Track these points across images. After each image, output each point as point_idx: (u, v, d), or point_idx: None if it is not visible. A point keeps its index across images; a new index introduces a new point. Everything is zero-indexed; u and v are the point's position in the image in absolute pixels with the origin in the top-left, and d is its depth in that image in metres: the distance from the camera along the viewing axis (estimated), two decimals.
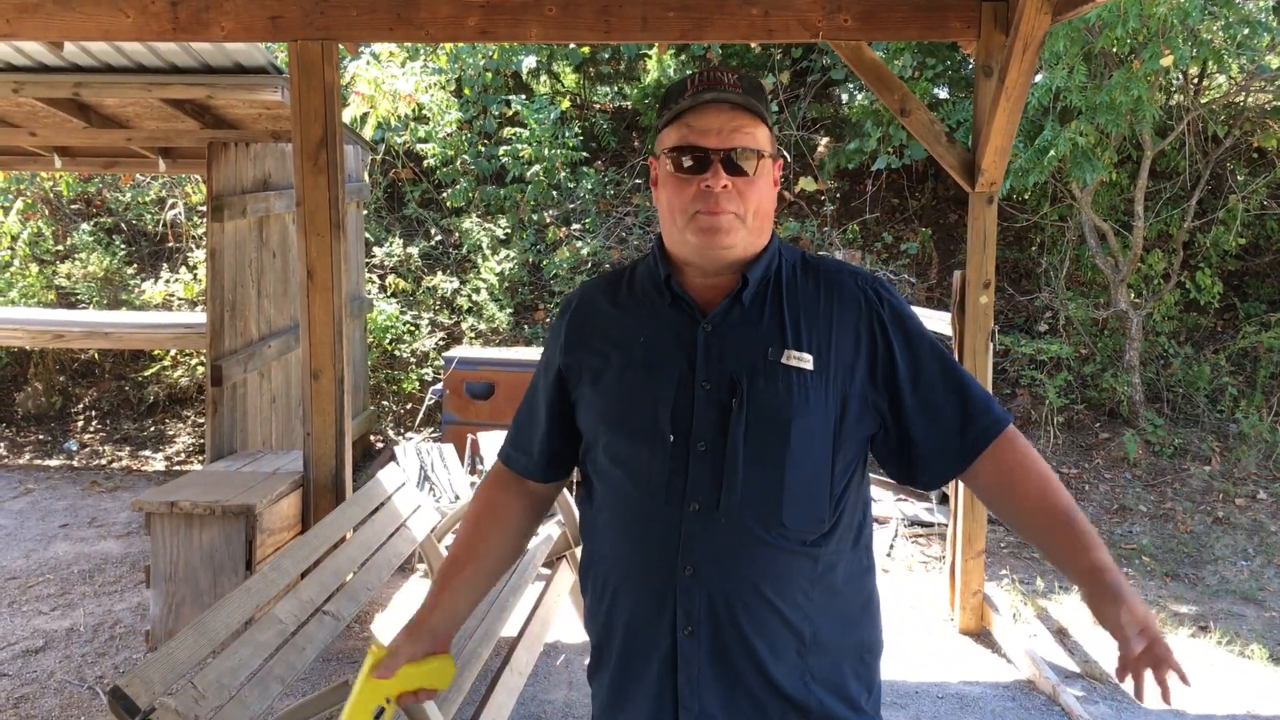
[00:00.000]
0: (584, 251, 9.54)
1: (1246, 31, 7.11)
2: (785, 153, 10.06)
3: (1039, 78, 7.65)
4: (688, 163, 1.77)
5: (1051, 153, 7.41)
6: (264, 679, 3.47)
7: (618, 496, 1.83)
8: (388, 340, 9.04)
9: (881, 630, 1.92)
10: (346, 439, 5.44)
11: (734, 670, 1.75)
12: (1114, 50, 7.40)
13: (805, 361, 1.77)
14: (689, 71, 1.99)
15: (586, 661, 4.75)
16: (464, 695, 3.71)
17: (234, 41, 5.30)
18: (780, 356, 1.77)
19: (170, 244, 9.93)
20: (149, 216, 9.98)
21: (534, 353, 8.19)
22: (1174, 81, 8.92)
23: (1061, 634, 5.54)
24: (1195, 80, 9.10)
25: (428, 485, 6.58)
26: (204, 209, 10.05)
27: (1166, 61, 6.84)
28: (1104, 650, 5.31)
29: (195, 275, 9.41)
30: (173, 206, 9.88)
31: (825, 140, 10.50)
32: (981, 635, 5.40)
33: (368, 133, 9.42)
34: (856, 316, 1.82)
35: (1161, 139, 8.29)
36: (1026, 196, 9.16)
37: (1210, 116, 8.52)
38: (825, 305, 1.83)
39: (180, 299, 9.44)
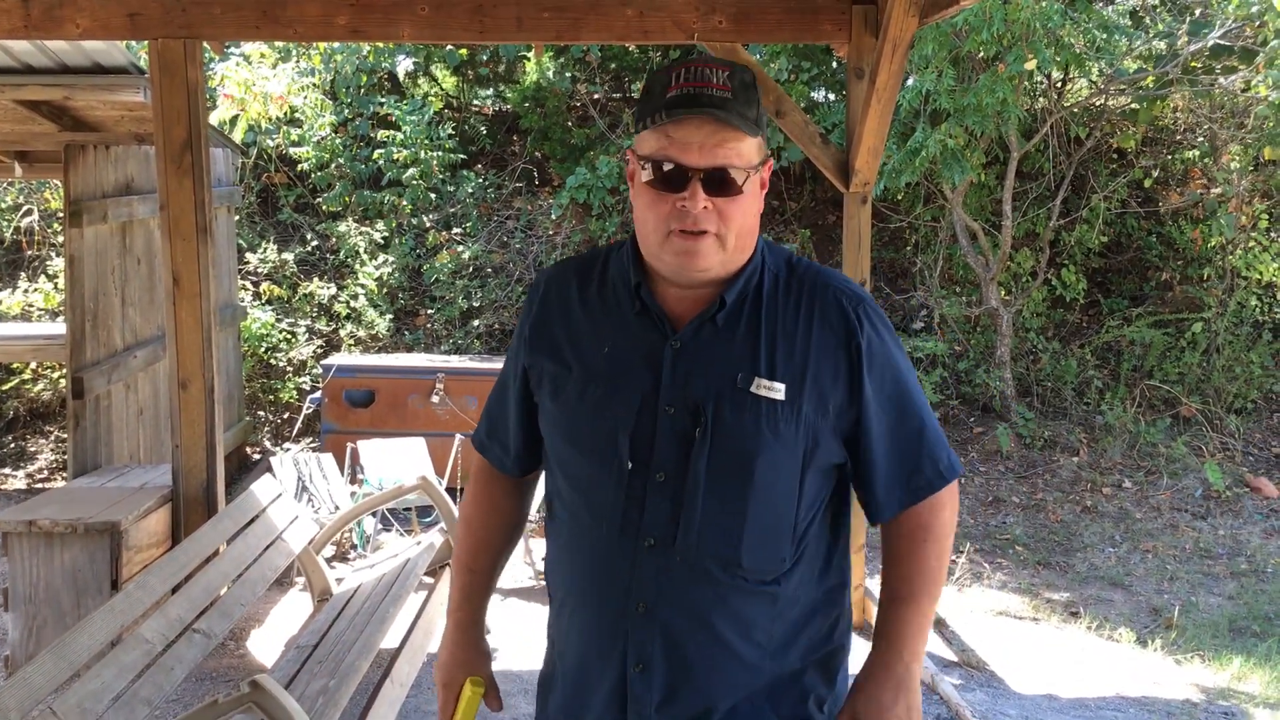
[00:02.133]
0: (465, 255, 9.43)
1: (1105, 36, 7.40)
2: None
3: (909, 81, 7.84)
4: (665, 177, 1.64)
5: (923, 154, 7.60)
6: (129, 702, 3.34)
7: (575, 521, 1.77)
8: (263, 349, 8.80)
9: (849, 640, 1.87)
10: (218, 451, 5.26)
11: (687, 707, 1.71)
12: (980, 54, 7.61)
13: (776, 391, 1.67)
14: (659, 65, 1.79)
15: None
16: (341, 709, 3.61)
17: (90, 39, 5.10)
18: (750, 384, 1.67)
19: (27, 252, 9.50)
20: (4, 223, 9.53)
21: (415, 359, 8.06)
22: (1038, 85, 9.22)
23: (940, 625, 5.66)
24: (1058, 84, 9.42)
25: (306, 496, 6.41)
26: (63, 215, 9.66)
27: (1030, 65, 7.06)
28: (981, 640, 5.44)
29: (55, 285, 9.02)
30: (29, 213, 9.44)
31: None
32: (863, 629, 5.47)
33: (238, 136, 9.16)
34: (837, 340, 1.71)
35: (1027, 140, 8.57)
36: (900, 198, 9.37)
37: (1072, 119, 8.84)
38: (805, 325, 1.72)
39: (40, 309, 9.04)
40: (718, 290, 1.72)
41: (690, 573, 1.68)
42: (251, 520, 4.69)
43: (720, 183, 1.63)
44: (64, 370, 8.53)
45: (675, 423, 1.68)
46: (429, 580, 5.13)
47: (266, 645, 5.24)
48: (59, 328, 8.01)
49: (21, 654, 4.77)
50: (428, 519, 6.75)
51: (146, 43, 5.32)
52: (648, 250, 1.72)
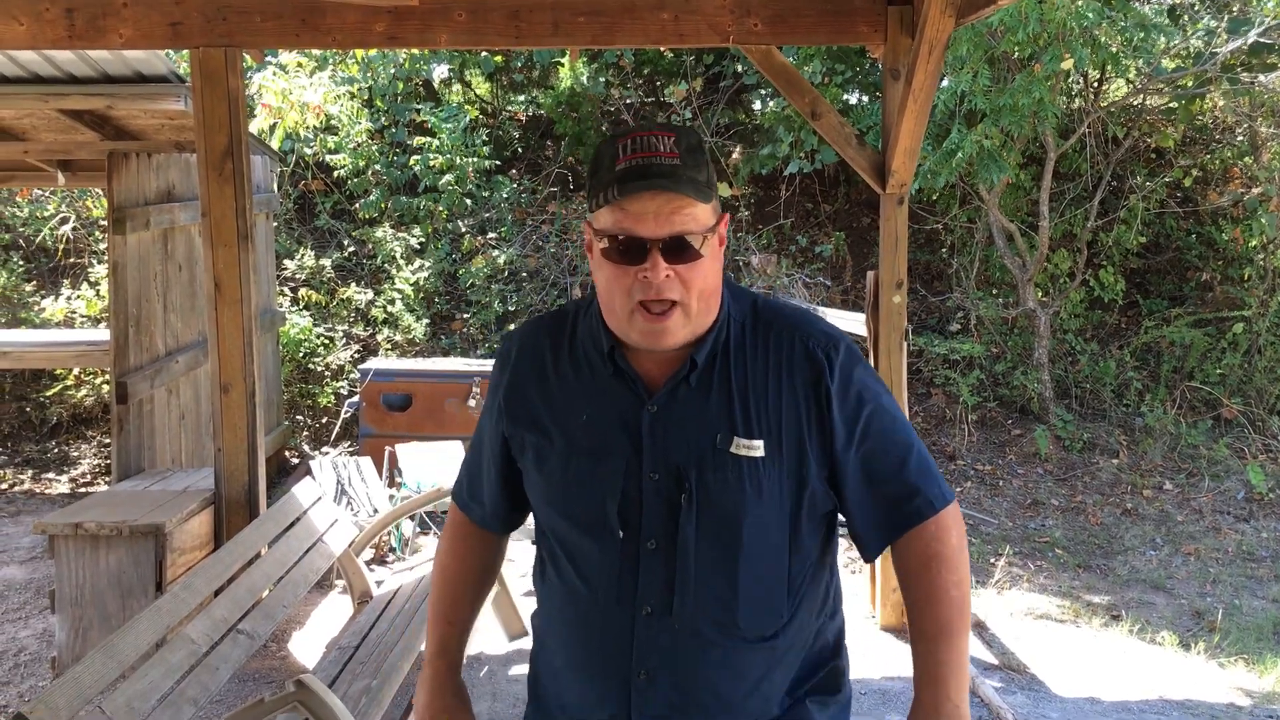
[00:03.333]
0: (500, 260, 9.48)
1: (1142, 35, 7.34)
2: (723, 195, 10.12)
3: (945, 82, 7.80)
4: (624, 250, 1.62)
5: (959, 155, 7.56)
6: (176, 701, 3.38)
7: (568, 588, 1.77)
8: (301, 354, 8.88)
9: (846, 651, 1.88)
10: (259, 454, 5.32)
11: None
12: (1015, 54, 7.57)
13: (756, 449, 1.66)
14: (612, 130, 1.65)
15: (510, 671, 4.68)
16: (384, 709, 3.64)
17: (132, 49, 5.16)
18: (729, 444, 1.67)
19: (70, 260, 9.64)
20: (47, 232, 9.67)
21: (451, 363, 8.11)
22: (1074, 85, 9.16)
23: (980, 627, 5.63)
24: (1095, 84, 9.35)
25: (345, 499, 6.46)
26: (105, 223, 9.79)
27: (1066, 65, 7.02)
28: (1021, 643, 5.41)
29: (98, 291, 9.15)
30: (71, 221, 9.58)
31: (739, 147, 10.58)
32: (902, 631, 5.45)
33: (275, 144, 9.26)
34: (806, 387, 1.70)
35: (1064, 141, 8.51)
36: (936, 199, 9.33)
37: (1109, 119, 8.77)
38: (775, 376, 1.71)
39: (83, 316, 9.16)
40: (688, 351, 1.71)
41: (690, 639, 1.68)
42: (293, 523, 4.73)
43: (679, 250, 1.62)
44: (106, 376, 8.65)
45: (661, 489, 1.68)
46: None
47: (308, 647, 5.29)
48: (102, 334, 8.14)
49: (68, 655, 4.84)
50: None
51: (188, 52, 5.38)
52: (614, 324, 1.69)
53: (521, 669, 4.97)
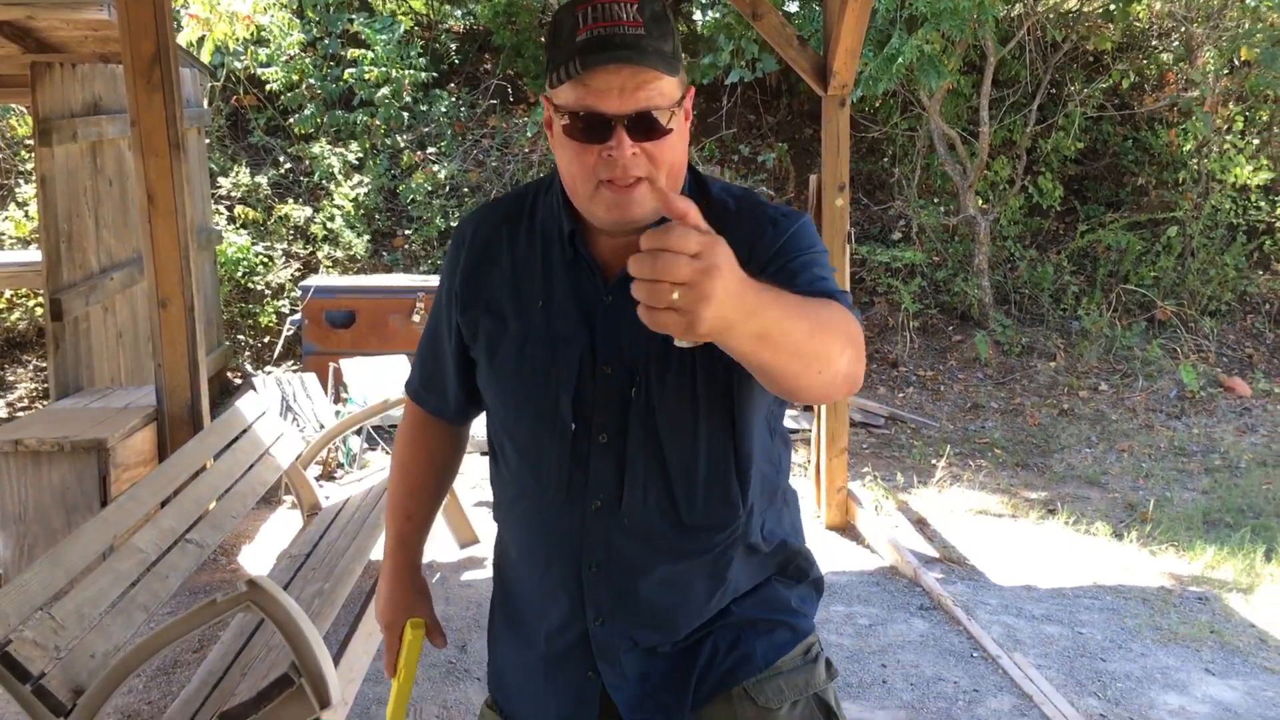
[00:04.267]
0: (441, 175, 9.35)
1: None
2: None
3: None
4: (587, 128, 1.53)
5: (899, 60, 7.55)
6: (126, 608, 3.37)
7: (519, 481, 1.73)
8: (240, 274, 8.74)
9: (804, 539, 1.86)
10: (201, 369, 5.27)
11: (650, 645, 1.72)
12: None
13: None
14: None
15: (462, 577, 4.72)
16: (337, 609, 3.67)
17: None
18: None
19: None
20: None
21: (395, 279, 8.03)
22: None
23: (921, 524, 5.77)
24: None
25: (291, 416, 6.43)
26: (31, 141, 9.50)
27: None
28: (961, 537, 5.55)
29: (26, 213, 8.89)
30: None
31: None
32: (847, 529, 5.58)
33: (205, 57, 9.00)
34: (757, 255, 1.59)
35: (1003, 46, 8.52)
36: (878, 107, 9.32)
37: (1049, 23, 8.79)
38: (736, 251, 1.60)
39: (11, 238, 8.93)
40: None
41: (639, 532, 1.67)
42: (238, 436, 4.70)
43: (646, 126, 1.52)
44: (39, 298, 8.47)
45: (614, 382, 1.64)
46: None
47: (258, 559, 5.29)
48: (33, 255, 7.94)
49: (14, 572, 4.80)
50: None
51: None
52: (577, 202, 1.62)
53: (473, 574, 5.02)
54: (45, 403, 7.54)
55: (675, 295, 1.15)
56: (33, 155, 9.20)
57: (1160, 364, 8.33)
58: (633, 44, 1.49)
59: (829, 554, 5.20)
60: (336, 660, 3.29)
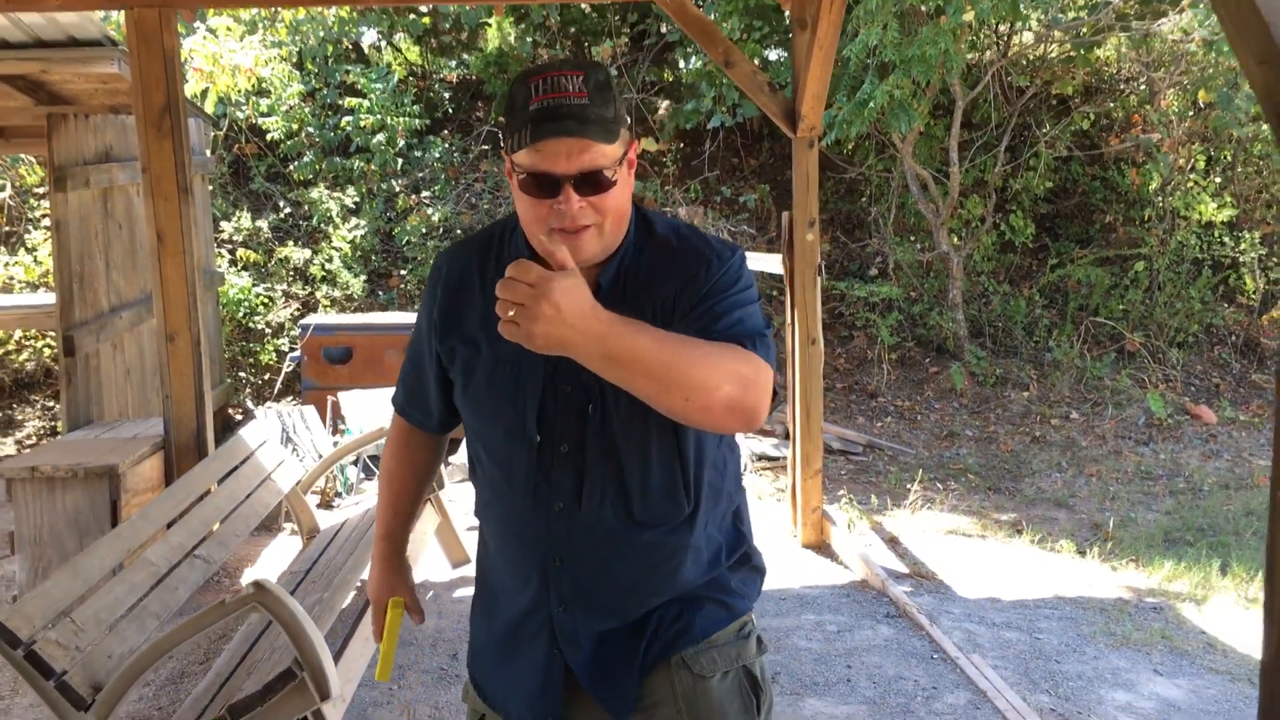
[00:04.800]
0: (435, 218, 9.70)
1: None
2: (650, 150, 10.38)
3: (858, 35, 8.14)
4: (539, 185, 1.75)
5: (871, 104, 7.92)
6: (140, 615, 3.63)
7: (493, 485, 2.00)
8: (241, 314, 9.05)
9: (752, 541, 2.09)
10: (206, 399, 5.55)
11: (609, 629, 1.97)
12: (924, 7, 7.93)
13: None
14: (527, 68, 1.70)
15: (453, 594, 4.98)
16: (336, 614, 3.93)
17: (69, 10, 5.32)
18: None
19: (5, 227, 9.70)
20: None
21: (390, 316, 8.35)
22: (987, 38, 9.56)
23: (893, 542, 6.04)
24: (1005, 36, 9.75)
25: (291, 447, 6.70)
26: (40, 190, 9.85)
27: (968, 16, 7.39)
28: (931, 555, 5.82)
29: (35, 257, 9.23)
30: (4, 189, 9.64)
31: (665, 103, 10.87)
32: (822, 548, 5.84)
33: (209, 108, 9.37)
34: (690, 286, 1.82)
35: (970, 90, 8.90)
36: (855, 150, 9.69)
37: (1014, 68, 9.18)
38: (669, 286, 1.84)
39: (21, 282, 9.24)
40: (602, 266, 1.85)
41: (596, 532, 1.89)
42: (242, 462, 4.98)
43: (591, 184, 1.74)
44: (47, 340, 8.78)
45: (572, 400, 1.84)
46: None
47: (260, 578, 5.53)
48: (42, 297, 8.25)
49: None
50: None
51: (122, 14, 5.54)
52: (534, 243, 1.80)
53: (464, 591, 5.28)
54: (53, 441, 7.81)
55: (511, 313, 1.50)
56: (41, 203, 9.56)
57: (1129, 393, 8.63)
58: (578, 114, 1.71)
59: (803, 570, 5.46)
60: (336, 660, 3.54)
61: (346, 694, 3.69)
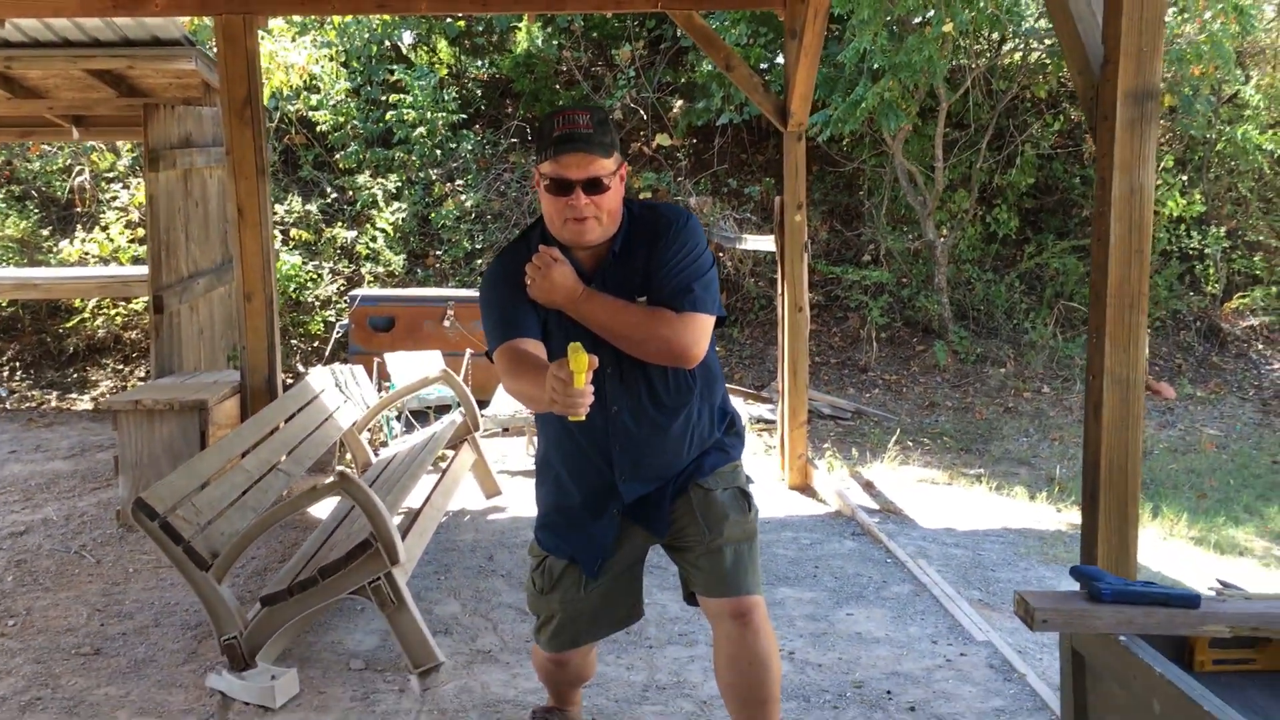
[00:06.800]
0: (468, 204, 10.66)
1: (1009, 0, 8.63)
2: (642, 123, 11.27)
3: (852, 43, 9.04)
4: (559, 188, 2.61)
5: (863, 105, 8.81)
6: (241, 507, 4.54)
7: None
8: (292, 288, 10.01)
9: (731, 402, 3.06)
10: (276, 350, 6.48)
11: (653, 487, 2.88)
12: (910, 17, 8.81)
13: (643, 300, 2.71)
14: (556, 111, 2.66)
15: (488, 517, 5.91)
16: (398, 509, 4.83)
17: (168, 16, 6.23)
18: (636, 300, 2.70)
19: (79, 208, 10.69)
20: (57, 183, 10.72)
21: (428, 291, 9.28)
22: (973, 45, 10.43)
23: (869, 486, 6.91)
24: (988, 44, 10.62)
25: (343, 398, 7.61)
26: (109, 175, 10.83)
27: (947, 28, 8.27)
28: (901, 496, 6.69)
29: (108, 234, 10.21)
30: (80, 173, 10.63)
31: (679, 102, 11.78)
32: (805, 489, 6.71)
33: (263, 102, 10.33)
34: (659, 241, 2.73)
35: (955, 93, 9.78)
36: (853, 147, 10.58)
37: (993, 74, 10.06)
38: (648, 248, 2.73)
39: (95, 257, 10.23)
40: (608, 247, 2.74)
41: (642, 420, 2.81)
42: (309, 402, 5.90)
43: (594, 187, 2.62)
44: (120, 308, 9.75)
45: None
46: (449, 452, 6.36)
47: (319, 509, 6.46)
48: (117, 270, 9.22)
49: (129, 510, 5.98)
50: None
51: (198, 19, 6.46)
52: (553, 230, 2.72)
53: (495, 516, 6.20)
54: (145, 383, 8.76)
55: (530, 279, 2.67)
56: (111, 186, 10.53)
57: None
58: (586, 139, 2.60)
59: (787, 504, 6.35)
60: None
61: (408, 568, 4.61)
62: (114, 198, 10.67)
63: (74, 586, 5.16)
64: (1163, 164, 10.48)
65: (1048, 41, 9.84)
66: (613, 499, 2.89)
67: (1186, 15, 8.90)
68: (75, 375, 9.69)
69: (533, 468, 7.28)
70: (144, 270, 8.26)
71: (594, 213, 2.64)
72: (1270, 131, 10.54)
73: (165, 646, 4.43)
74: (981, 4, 8.47)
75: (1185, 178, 10.58)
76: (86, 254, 10.20)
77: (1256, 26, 9.41)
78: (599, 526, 2.91)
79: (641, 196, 10.07)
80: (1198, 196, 10.42)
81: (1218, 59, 8.81)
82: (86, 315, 9.84)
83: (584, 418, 2.34)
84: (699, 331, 2.71)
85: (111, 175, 10.83)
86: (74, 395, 9.35)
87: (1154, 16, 2.84)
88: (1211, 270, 10.41)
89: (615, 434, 2.84)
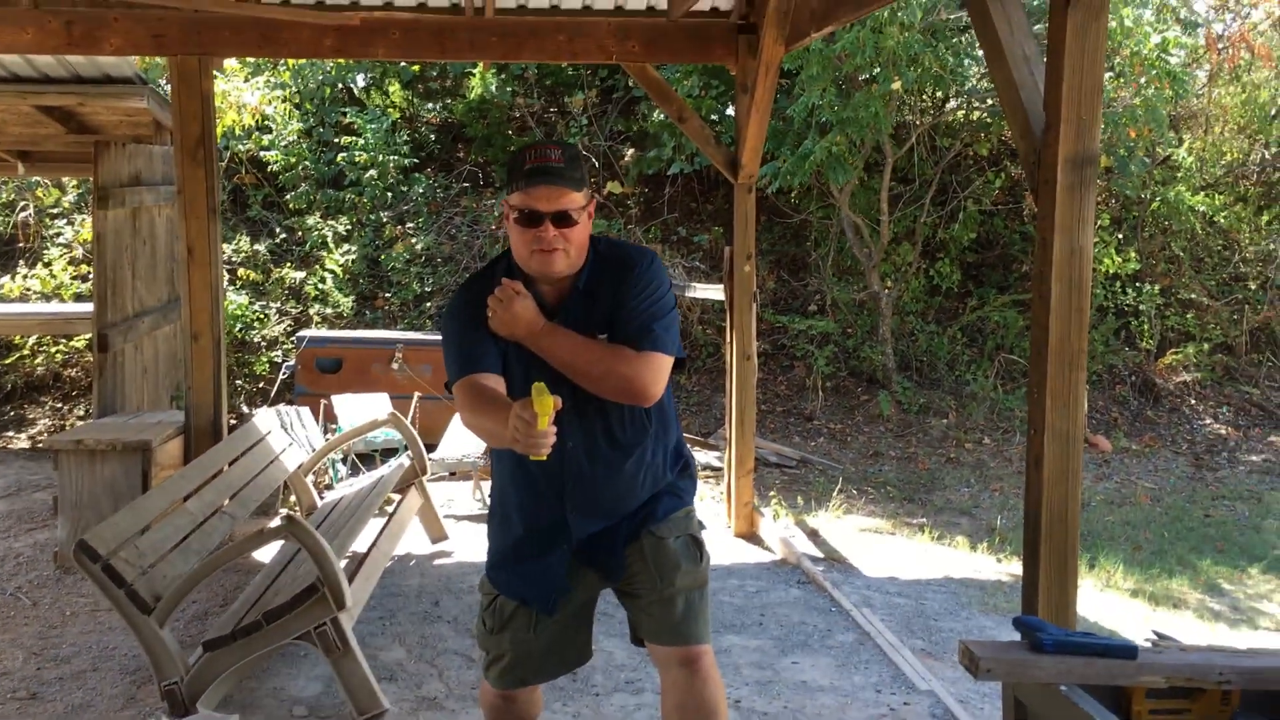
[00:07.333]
0: (419, 247, 10.67)
1: (953, 61, 8.87)
2: (594, 170, 11.41)
3: (801, 98, 9.23)
4: (528, 220, 2.63)
5: (811, 158, 8.98)
6: (184, 549, 4.50)
7: None
8: (238, 329, 9.93)
9: (694, 463, 3.09)
10: (223, 391, 6.42)
11: (604, 525, 2.89)
12: (858, 75, 9.02)
13: (603, 337, 2.71)
14: (523, 143, 2.62)
15: (434, 562, 5.89)
16: (345, 553, 4.80)
17: (123, 55, 6.22)
18: (596, 336, 2.71)
19: (21, 244, 10.55)
20: (0, 219, 10.58)
21: (377, 333, 9.26)
22: (920, 102, 10.69)
23: (814, 535, 6.99)
24: (933, 102, 10.90)
25: (289, 440, 7.55)
26: (54, 211, 10.72)
27: (895, 86, 8.48)
28: (846, 546, 6.77)
29: (51, 271, 10.08)
30: (25, 208, 10.50)
31: (630, 150, 11.92)
32: (751, 537, 6.77)
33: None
34: (624, 281, 2.74)
35: (900, 149, 10.01)
36: (800, 200, 10.76)
37: (937, 131, 10.31)
38: (612, 286, 2.74)
39: (37, 293, 10.08)
40: (572, 282, 2.75)
41: (596, 457, 2.80)
42: (254, 444, 5.86)
43: (563, 220, 2.65)
44: (60, 346, 9.61)
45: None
46: (396, 496, 6.33)
47: (262, 552, 6.38)
48: (59, 307, 9.11)
49: (68, 551, 5.88)
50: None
51: (154, 59, 6.45)
52: (521, 263, 2.72)
53: (441, 560, 6.17)
54: (87, 422, 8.61)
55: (492, 312, 2.67)
56: (55, 222, 10.41)
57: None
58: (556, 173, 2.64)
59: (734, 553, 6.39)
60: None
61: (354, 613, 4.57)
62: (58, 234, 10.54)
63: (10, 629, 5.06)
64: (1099, 222, 10.77)
65: (990, 101, 10.12)
66: (563, 535, 2.89)
67: (1123, 80, 9.21)
68: (12, 413, 9.52)
69: (480, 512, 7.32)
70: (87, 307, 8.17)
71: (562, 245, 2.66)
72: (1202, 193, 10.91)
73: (104, 691, 4.36)
74: (926, 64, 8.71)
75: (1121, 236, 10.89)
76: (28, 290, 10.05)
77: (1189, 91, 9.77)
78: (549, 563, 2.91)
79: None
80: (1133, 254, 10.72)
81: (1152, 122, 9.12)
82: (26, 352, 9.68)
83: (545, 458, 2.39)
84: (658, 371, 2.74)
85: (56, 211, 10.71)
86: (10, 433, 9.17)
87: (1093, 86, 2.98)
88: (1146, 326, 10.69)
89: (569, 470, 2.84)
